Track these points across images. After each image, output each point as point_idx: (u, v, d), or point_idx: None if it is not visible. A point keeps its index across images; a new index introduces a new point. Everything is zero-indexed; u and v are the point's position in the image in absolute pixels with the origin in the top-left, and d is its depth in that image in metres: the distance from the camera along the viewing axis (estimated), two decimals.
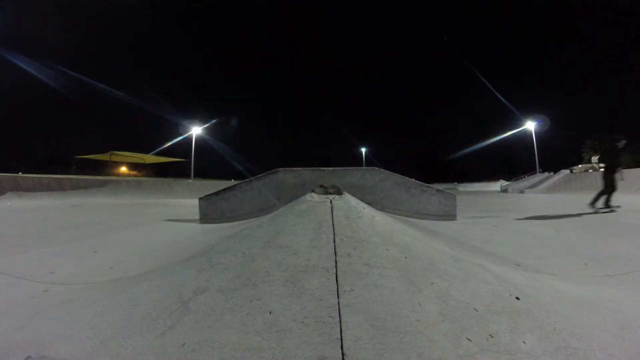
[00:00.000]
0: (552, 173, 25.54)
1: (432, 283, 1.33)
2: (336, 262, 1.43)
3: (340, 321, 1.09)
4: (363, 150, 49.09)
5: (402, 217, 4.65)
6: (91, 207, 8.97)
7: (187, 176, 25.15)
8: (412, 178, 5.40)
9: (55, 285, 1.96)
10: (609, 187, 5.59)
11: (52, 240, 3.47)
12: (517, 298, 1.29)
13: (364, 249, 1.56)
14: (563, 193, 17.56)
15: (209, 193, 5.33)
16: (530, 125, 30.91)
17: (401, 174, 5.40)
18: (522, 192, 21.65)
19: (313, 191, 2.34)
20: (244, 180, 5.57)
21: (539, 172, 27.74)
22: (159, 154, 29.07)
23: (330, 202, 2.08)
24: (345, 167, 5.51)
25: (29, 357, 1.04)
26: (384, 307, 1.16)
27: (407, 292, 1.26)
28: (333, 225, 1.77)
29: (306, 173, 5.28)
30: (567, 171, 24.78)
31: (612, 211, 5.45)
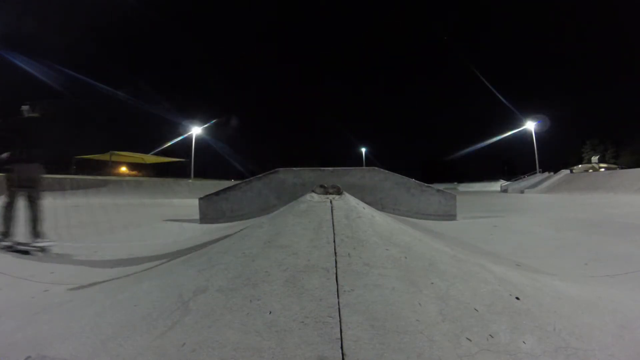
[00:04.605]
0: (552, 173, 25.53)
1: (432, 283, 1.33)
2: (336, 262, 1.43)
3: (340, 321, 1.09)
4: (363, 150, 49.05)
5: (402, 217, 4.65)
6: (91, 207, 8.96)
7: (187, 176, 25.12)
8: (412, 178, 5.40)
9: (55, 285, 1.96)
10: None
11: (52, 240, 3.46)
12: (517, 298, 1.29)
13: (364, 249, 1.56)
14: (563, 193, 17.55)
15: (209, 193, 5.34)
16: (530, 125, 30.90)
17: (401, 174, 5.41)
18: (522, 192, 21.64)
19: (313, 191, 2.34)
20: (244, 180, 5.58)
21: (539, 172, 27.73)
22: (159, 154, 29.02)
23: (330, 202, 2.08)
24: (346, 167, 5.51)
25: (29, 357, 1.04)
26: (384, 307, 1.16)
27: (407, 292, 1.26)
28: (333, 225, 1.77)
29: (306, 173, 5.28)
30: (567, 171, 24.79)
31: None
